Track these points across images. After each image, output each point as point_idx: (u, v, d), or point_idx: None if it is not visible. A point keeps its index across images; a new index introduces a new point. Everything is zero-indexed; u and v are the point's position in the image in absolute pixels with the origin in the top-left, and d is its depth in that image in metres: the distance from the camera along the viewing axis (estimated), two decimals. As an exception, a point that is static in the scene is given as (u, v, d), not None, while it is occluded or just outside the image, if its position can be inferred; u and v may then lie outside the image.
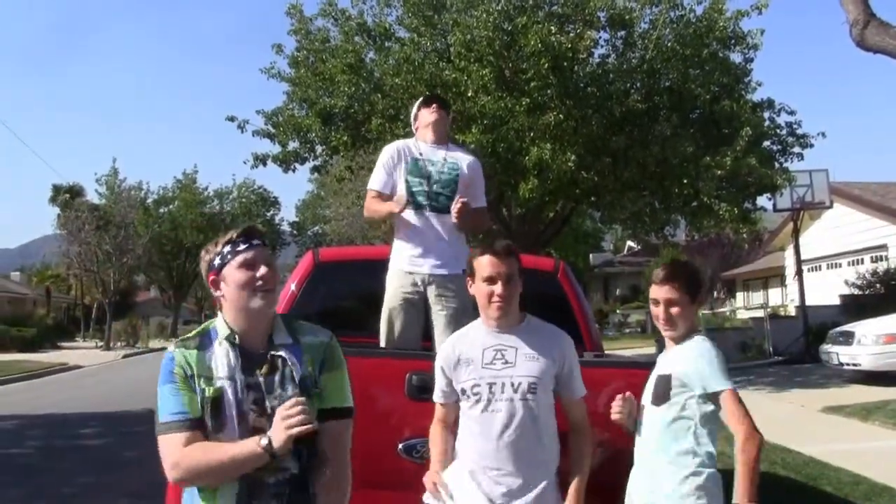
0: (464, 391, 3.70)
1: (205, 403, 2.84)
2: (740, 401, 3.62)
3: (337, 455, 2.97)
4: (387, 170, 5.52)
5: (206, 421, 2.83)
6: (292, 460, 2.84)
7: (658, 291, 3.79)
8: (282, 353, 2.96)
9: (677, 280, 3.79)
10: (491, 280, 3.67)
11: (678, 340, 3.81)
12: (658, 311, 3.81)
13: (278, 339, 3.00)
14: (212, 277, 3.02)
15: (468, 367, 3.70)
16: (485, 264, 3.71)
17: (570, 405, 3.80)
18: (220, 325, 3.00)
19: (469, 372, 3.70)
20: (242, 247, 2.97)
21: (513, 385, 3.62)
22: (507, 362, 3.66)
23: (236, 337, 2.95)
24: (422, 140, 5.58)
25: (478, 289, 3.74)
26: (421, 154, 5.47)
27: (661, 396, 3.73)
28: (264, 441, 2.74)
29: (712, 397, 3.64)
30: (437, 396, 3.86)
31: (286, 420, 2.72)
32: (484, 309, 3.76)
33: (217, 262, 2.99)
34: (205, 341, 2.98)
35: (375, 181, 5.55)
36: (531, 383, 3.62)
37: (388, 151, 5.60)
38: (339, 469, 2.98)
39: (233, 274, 2.95)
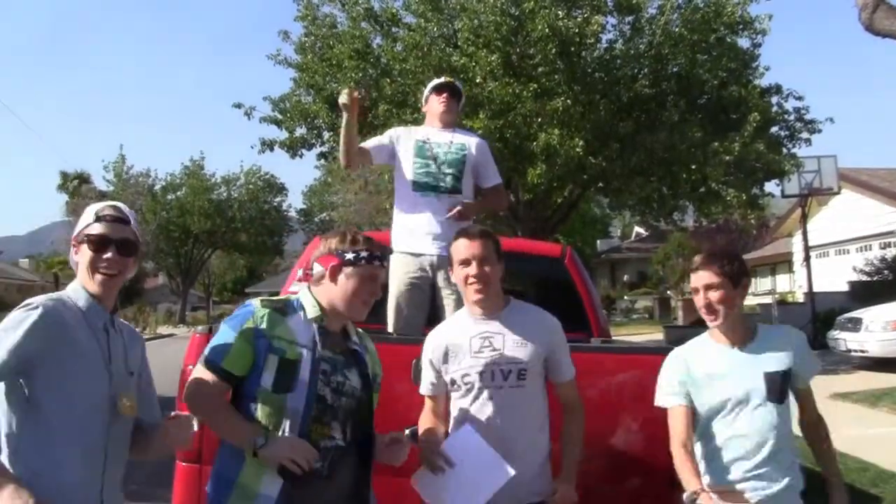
0: (454, 381, 3.69)
1: (283, 364, 3.10)
2: None
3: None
4: (384, 139, 5.65)
5: (280, 380, 3.09)
6: (339, 433, 3.21)
7: (697, 278, 3.65)
8: (356, 347, 3.37)
9: (715, 263, 3.63)
10: (465, 262, 3.66)
11: (730, 331, 3.66)
12: (699, 300, 3.64)
13: (353, 336, 3.40)
14: (334, 262, 3.25)
15: (456, 357, 3.69)
16: (459, 248, 3.71)
17: (560, 387, 3.78)
18: (308, 302, 3.28)
19: (458, 362, 3.68)
20: (377, 263, 3.29)
21: (503, 372, 3.60)
22: (494, 349, 3.64)
23: (323, 320, 3.24)
24: (429, 125, 5.59)
25: (456, 274, 3.74)
26: (428, 138, 5.50)
27: (783, 392, 3.60)
28: (259, 442, 2.99)
29: (802, 387, 3.70)
30: (426, 389, 3.84)
31: (293, 452, 2.99)
32: (465, 294, 3.76)
33: (350, 257, 3.25)
34: (287, 308, 3.23)
35: (367, 142, 5.68)
36: (521, 369, 3.60)
37: (396, 129, 5.74)
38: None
39: (358, 278, 3.24)
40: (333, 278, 3.24)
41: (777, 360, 3.60)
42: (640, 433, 4.43)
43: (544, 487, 3.63)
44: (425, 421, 3.84)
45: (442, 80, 5.74)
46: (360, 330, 3.48)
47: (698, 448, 3.67)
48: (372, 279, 3.25)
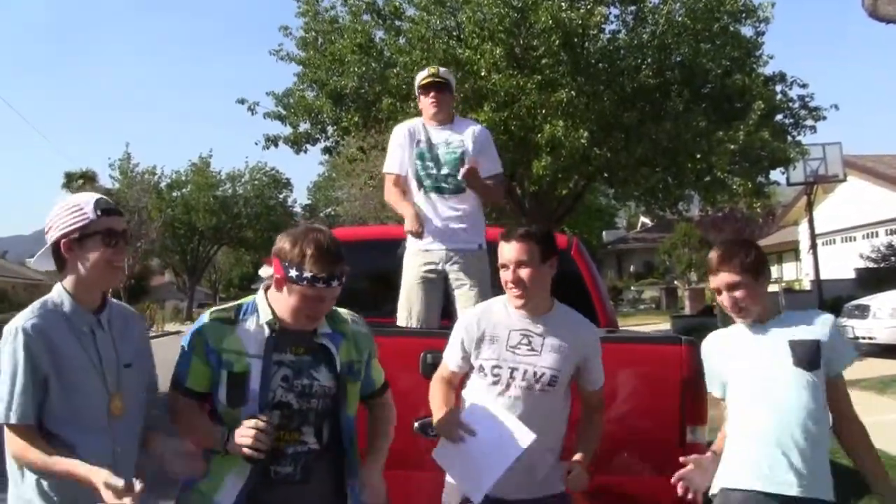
0: (482, 368, 3.66)
1: (232, 378, 3.04)
2: None
3: (390, 412, 3.47)
4: (398, 151, 5.61)
5: (231, 395, 3.04)
6: (312, 437, 3.12)
7: (716, 279, 3.52)
8: (324, 340, 3.17)
9: (734, 259, 3.50)
10: (503, 267, 3.64)
11: (763, 320, 3.53)
12: (725, 300, 3.51)
13: (321, 328, 3.18)
14: (280, 274, 3.05)
15: (491, 346, 3.66)
16: (500, 251, 3.68)
17: (587, 393, 3.76)
18: (262, 306, 3.14)
19: (492, 351, 3.65)
20: (321, 285, 2.99)
21: (535, 374, 3.58)
22: (532, 349, 3.61)
23: (276, 323, 3.09)
24: (427, 122, 5.62)
25: (501, 276, 3.70)
26: (429, 137, 5.52)
27: (812, 362, 3.40)
28: (223, 437, 2.97)
29: (833, 377, 3.50)
30: (451, 363, 3.80)
31: (243, 437, 2.91)
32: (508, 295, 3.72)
33: (294, 273, 2.99)
34: (239, 315, 3.13)
35: (390, 164, 5.66)
36: (553, 375, 3.58)
37: (398, 133, 5.68)
38: (391, 416, 3.48)
39: (300, 296, 3.02)
40: (279, 288, 3.08)
41: (804, 332, 3.46)
42: (649, 422, 4.43)
43: (556, 481, 3.63)
44: (439, 391, 3.80)
45: (426, 74, 5.67)
46: (342, 313, 3.30)
47: (733, 435, 3.52)
48: (317, 299, 3.03)
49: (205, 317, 3.13)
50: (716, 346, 3.66)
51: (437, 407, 3.74)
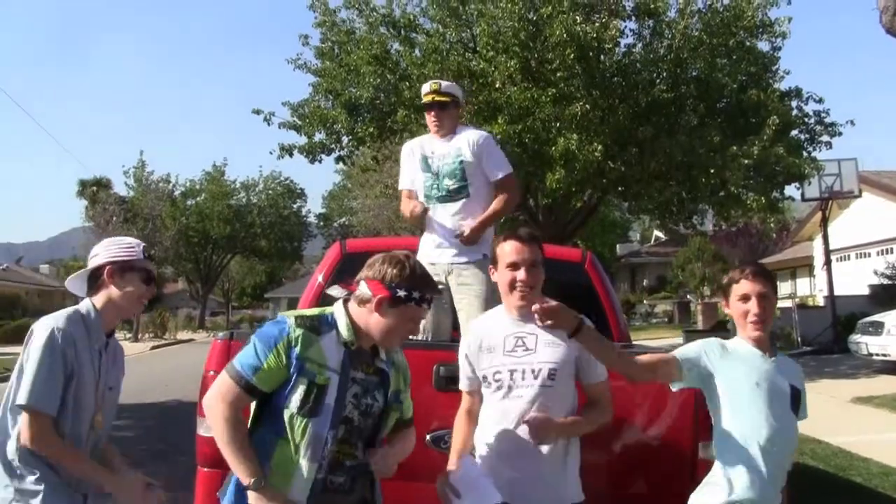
0: (485, 378, 3.71)
1: (311, 389, 3.09)
2: None
3: (410, 441, 3.56)
4: (406, 168, 5.74)
5: (306, 404, 3.09)
6: (360, 450, 3.28)
7: (750, 286, 3.59)
8: (384, 366, 3.34)
9: (767, 274, 3.66)
10: (514, 266, 3.67)
11: (764, 342, 3.64)
12: (750, 307, 3.58)
13: (381, 352, 3.34)
14: (382, 295, 3.15)
15: (490, 354, 3.71)
16: (508, 251, 3.71)
17: (591, 388, 3.77)
18: (342, 323, 3.22)
19: (491, 359, 3.71)
20: (426, 305, 3.24)
21: (533, 371, 3.62)
22: (527, 349, 3.66)
23: (355, 343, 3.21)
24: (432, 133, 5.67)
25: (501, 276, 3.75)
26: (432, 151, 5.57)
27: (800, 409, 3.65)
28: (255, 484, 3.00)
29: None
30: (463, 385, 3.88)
31: None
32: (506, 296, 3.76)
33: (402, 295, 3.15)
34: (321, 327, 3.19)
35: (401, 180, 5.84)
36: (551, 370, 3.61)
37: (403, 151, 5.83)
38: (411, 443, 3.57)
39: (401, 318, 3.18)
40: (378, 309, 3.16)
41: (795, 379, 3.67)
42: (661, 437, 4.43)
43: (571, 493, 3.64)
44: (459, 427, 3.87)
45: (427, 90, 5.65)
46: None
47: (726, 435, 3.61)
48: (414, 320, 3.24)
49: (289, 321, 3.16)
50: (720, 348, 3.68)
51: (452, 448, 3.85)
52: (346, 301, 3.26)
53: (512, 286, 3.69)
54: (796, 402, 3.60)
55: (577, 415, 3.72)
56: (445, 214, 5.43)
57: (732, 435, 3.55)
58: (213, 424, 3.10)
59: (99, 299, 3.47)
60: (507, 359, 3.67)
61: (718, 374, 3.60)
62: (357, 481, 3.28)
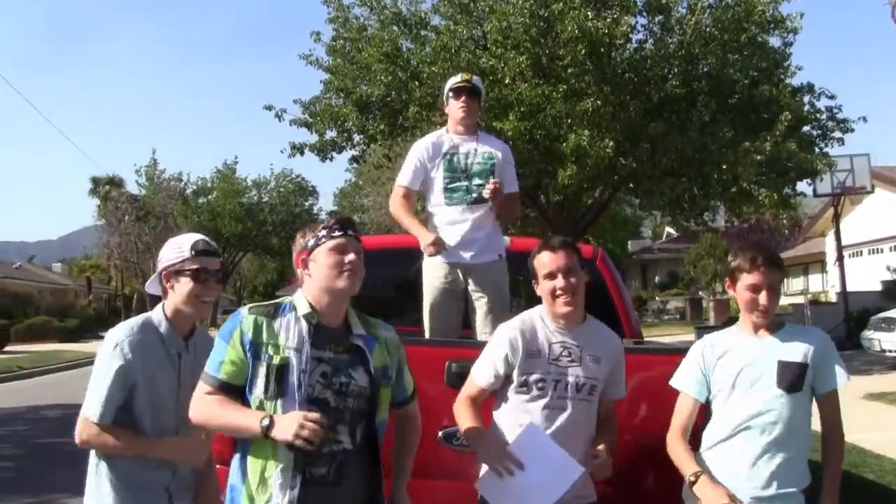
0: (525, 383, 3.68)
1: (270, 370, 3.08)
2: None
3: (418, 423, 3.56)
4: (416, 166, 5.56)
5: (269, 387, 3.07)
6: (346, 437, 3.15)
7: (762, 279, 3.55)
8: (359, 341, 3.25)
9: (779, 263, 3.64)
10: (551, 275, 3.66)
11: (770, 329, 3.64)
12: (759, 299, 3.56)
13: (356, 328, 3.29)
14: (302, 256, 3.25)
15: (535, 360, 3.68)
16: (544, 261, 3.70)
17: (609, 402, 3.82)
18: (300, 301, 3.23)
19: (535, 364, 3.68)
20: (337, 233, 3.21)
21: (577, 384, 3.65)
22: (573, 360, 3.67)
23: (315, 316, 3.18)
24: (454, 132, 5.58)
25: (542, 288, 3.73)
26: (455, 148, 5.48)
27: (796, 385, 3.54)
28: (265, 422, 2.97)
29: (824, 393, 3.63)
30: (483, 380, 3.79)
31: (298, 427, 2.91)
32: (550, 306, 3.72)
33: (311, 242, 3.23)
34: (277, 312, 3.20)
35: (404, 177, 5.62)
36: (593, 385, 3.66)
37: (420, 147, 5.62)
38: (419, 426, 3.57)
39: (324, 255, 3.18)
40: (306, 267, 3.23)
41: (795, 353, 3.58)
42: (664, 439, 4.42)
43: (587, 493, 3.68)
44: (467, 410, 3.79)
45: (458, 79, 5.63)
46: (371, 319, 3.39)
47: (707, 434, 3.69)
48: (339, 250, 3.17)
49: (242, 310, 3.20)
50: (715, 344, 3.72)
51: (469, 427, 3.73)
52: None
53: (553, 295, 3.67)
54: (799, 377, 3.55)
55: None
56: (467, 213, 5.37)
57: (713, 427, 3.64)
58: (201, 416, 3.15)
59: (168, 304, 3.56)
60: (553, 367, 3.67)
61: (711, 374, 3.66)
62: (345, 472, 3.13)
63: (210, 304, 3.60)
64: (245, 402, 3.10)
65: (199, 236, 3.63)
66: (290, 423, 2.91)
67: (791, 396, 3.53)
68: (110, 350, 3.36)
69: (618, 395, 3.82)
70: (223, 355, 3.10)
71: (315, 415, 2.94)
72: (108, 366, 3.34)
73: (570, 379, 3.64)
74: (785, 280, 48.81)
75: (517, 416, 3.69)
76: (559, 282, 3.63)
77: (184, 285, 3.50)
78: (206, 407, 3.11)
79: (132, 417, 3.39)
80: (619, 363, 3.79)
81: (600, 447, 3.62)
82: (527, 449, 3.51)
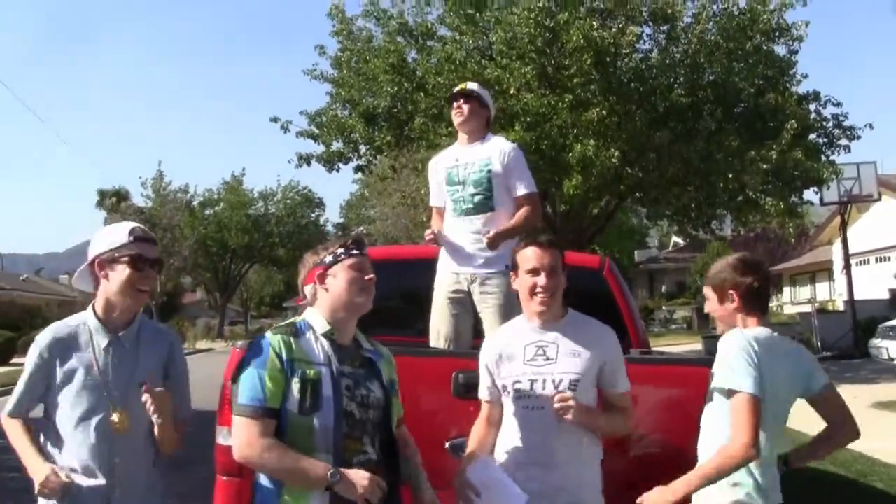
0: (505, 387, 3.68)
1: (305, 385, 3.08)
2: (754, 409, 3.41)
3: (412, 442, 3.52)
4: (433, 184, 5.73)
5: (304, 402, 3.07)
6: (371, 448, 3.22)
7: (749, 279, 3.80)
8: (370, 355, 3.36)
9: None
10: (534, 272, 3.63)
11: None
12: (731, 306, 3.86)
13: (365, 343, 3.39)
14: (319, 272, 3.28)
15: (510, 364, 3.68)
16: (528, 256, 3.67)
17: (613, 398, 3.73)
18: (315, 319, 3.27)
19: (511, 368, 3.67)
20: (356, 252, 3.32)
21: (553, 381, 3.58)
22: (548, 359, 3.62)
23: (334, 333, 3.23)
24: (459, 142, 5.60)
25: (521, 282, 3.70)
26: (457, 160, 5.49)
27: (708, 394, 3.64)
28: (334, 478, 2.97)
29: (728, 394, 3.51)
30: (483, 394, 3.82)
31: (368, 490, 2.98)
32: (526, 302, 3.71)
33: (329, 259, 3.28)
34: (297, 331, 3.23)
35: (431, 198, 5.83)
36: (572, 380, 3.57)
37: (432, 164, 5.82)
38: (414, 446, 3.52)
39: (344, 271, 3.26)
40: (323, 284, 3.26)
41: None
42: (682, 444, 4.40)
43: (590, 502, 3.63)
44: (476, 432, 3.82)
45: (456, 89, 5.65)
46: (368, 337, 3.46)
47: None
48: (358, 268, 3.27)
49: (267, 334, 3.20)
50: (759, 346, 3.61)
51: (466, 450, 3.79)
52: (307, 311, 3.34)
53: (532, 292, 3.64)
54: None
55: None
56: (470, 226, 5.36)
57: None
58: (262, 467, 3.08)
59: (98, 298, 3.43)
60: (528, 368, 3.63)
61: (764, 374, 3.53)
62: None
63: (147, 294, 3.44)
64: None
65: (135, 224, 3.50)
66: (360, 482, 2.98)
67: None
68: (31, 351, 3.38)
69: (619, 387, 3.71)
70: (261, 380, 3.05)
71: (380, 480, 3.03)
72: (27, 365, 3.38)
73: (546, 377, 3.60)
74: (792, 289, 48.70)
75: (508, 422, 3.71)
76: (541, 279, 3.61)
77: (120, 273, 3.34)
78: (262, 453, 3.01)
79: (48, 413, 3.40)
80: (612, 354, 3.71)
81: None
82: (480, 477, 3.57)
